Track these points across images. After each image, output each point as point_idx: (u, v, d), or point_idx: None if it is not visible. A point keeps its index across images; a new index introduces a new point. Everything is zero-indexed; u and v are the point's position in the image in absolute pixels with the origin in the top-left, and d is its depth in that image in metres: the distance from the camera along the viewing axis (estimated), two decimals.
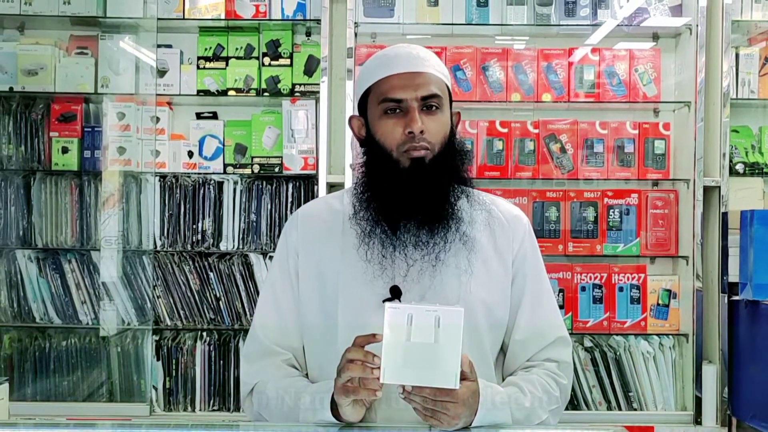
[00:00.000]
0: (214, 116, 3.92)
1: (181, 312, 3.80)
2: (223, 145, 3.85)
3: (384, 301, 1.74)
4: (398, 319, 1.58)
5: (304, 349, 1.97)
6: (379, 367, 1.59)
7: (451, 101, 1.95)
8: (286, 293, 1.96)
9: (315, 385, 1.84)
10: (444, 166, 1.85)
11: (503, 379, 1.96)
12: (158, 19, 3.73)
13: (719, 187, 3.63)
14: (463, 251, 1.87)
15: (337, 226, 1.93)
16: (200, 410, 3.75)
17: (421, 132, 1.82)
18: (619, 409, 3.69)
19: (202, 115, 3.92)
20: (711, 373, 3.59)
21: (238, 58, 3.84)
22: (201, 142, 3.84)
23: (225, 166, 3.84)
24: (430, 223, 1.84)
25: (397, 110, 1.86)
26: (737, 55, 3.82)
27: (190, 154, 3.84)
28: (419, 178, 1.82)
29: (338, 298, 1.87)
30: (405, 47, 1.94)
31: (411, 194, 1.82)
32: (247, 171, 3.82)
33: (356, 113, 1.99)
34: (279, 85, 3.81)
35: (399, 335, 1.58)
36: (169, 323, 3.80)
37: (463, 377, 1.64)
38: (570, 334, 3.69)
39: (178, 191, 3.82)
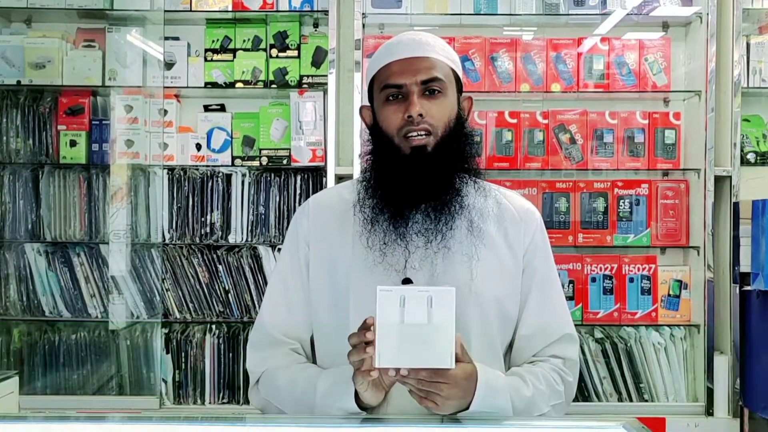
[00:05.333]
0: (222, 108, 3.91)
1: (190, 305, 3.79)
2: (231, 138, 3.84)
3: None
4: (391, 302, 1.58)
5: (314, 340, 1.96)
6: (372, 347, 1.57)
7: (460, 86, 1.93)
8: (295, 283, 1.95)
9: (331, 371, 1.82)
10: (448, 151, 1.84)
11: None
12: (165, 11, 3.72)
13: (730, 176, 3.61)
14: (470, 238, 1.85)
15: (347, 216, 1.91)
16: (210, 403, 3.75)
17: (421, 116, 1.81)
18: (630, 400, 3.68)
19: (209, 107, 3.91)
20: (722, 363, 3.58)
21: (245, 50, 3.83)
22: (209, 135, 3.83)
23: (233, 158, 3.83)
24: (436, 211, 1.82)
25: (399, 96, 1.85)
26: (748, 44, 3.79)
27: (198, 146, 3.83)
28: (421, 165, 1.81)
29: (350, 288, 1.86)
30: (410, 34, 1.93)
31: (414, 182, 1.81)
32: (256, 163, 3.81)
33: (367, 103, 1.98)
34: (287, 77, 3.80)
35: (392, 318, 1.57)
36: (178, 316, 3.80)
37: (457, 359, 1.62)
38: (580, 325, 3.74)
39: (187, 184, 3.81)
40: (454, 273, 1.84)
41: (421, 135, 1.82)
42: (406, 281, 1.82)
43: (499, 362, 1.90)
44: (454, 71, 1.90)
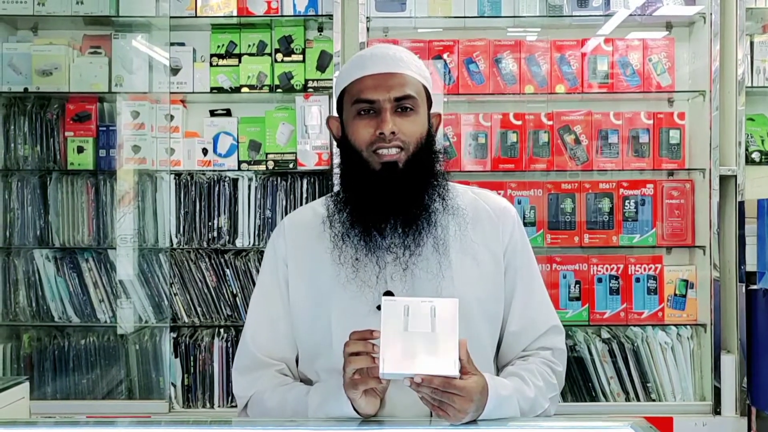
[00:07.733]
0: (228, 113, 3.93)
1: (198, 309, 3.81)
2: (237, 142, 3.85)
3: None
4: (395, 311, 1.60)
5: (299, 358, 1.95)
6: (378, 356, 1.58)
7: (430, 103, 1.93)
8: (276, 303, 1.94)
9: (320, 385, 1.82)
10: (418, 168, 1.83)
11: (498, 371, 1.96)
12: (171, 17, 3.73)
13: (735, 176, 3.61)
14: (436, 255, 1.85)
15: (324, 232, 1.91)
16: (219, 407, 3.76)
17: (393, 133, 1.80)
18: (638, 400, 3.68)
19: (215, 112, 3.92)
20: (729, 363, 3.58)
21: (250, 54, 3.84)
22: (215, 140, 3.85)
23: (239, 162, 3.84)
24: (406, 226, 1.82)
25: (371, 111, 1.84)
26: (752, 43, 3.79)
27: (205, 151, 3.84)
28: (393, 181, 1.81)
29: (331, 304, 1.85)
30: (383, 48, 1.92)
31: (385, 198, 1.81)
32: (262, 167, 3.82)
33: (335, 114, 1.97)
34: (292, 81, 3.82)
35: (396, 326, 1.58)
36: (186, 320, 3.81)
37: (465, 371, 1.62)
38: (587, 325, 3.74)
39: (193, 189, 3.83)
40: (431, 284, 1.84)
41: (392, 151, 1.81)
42: (388, 294, 1.82)
43: (487, 363, 1.91)
44: (425, 87, 1.90)
